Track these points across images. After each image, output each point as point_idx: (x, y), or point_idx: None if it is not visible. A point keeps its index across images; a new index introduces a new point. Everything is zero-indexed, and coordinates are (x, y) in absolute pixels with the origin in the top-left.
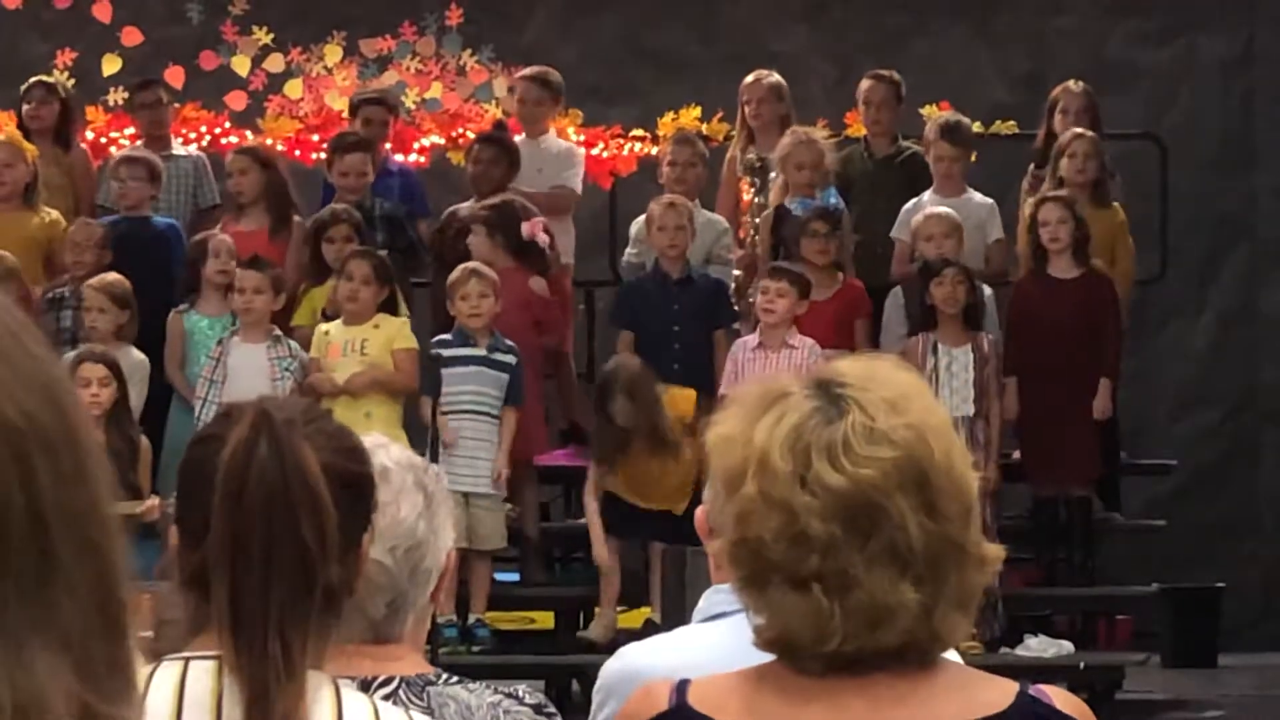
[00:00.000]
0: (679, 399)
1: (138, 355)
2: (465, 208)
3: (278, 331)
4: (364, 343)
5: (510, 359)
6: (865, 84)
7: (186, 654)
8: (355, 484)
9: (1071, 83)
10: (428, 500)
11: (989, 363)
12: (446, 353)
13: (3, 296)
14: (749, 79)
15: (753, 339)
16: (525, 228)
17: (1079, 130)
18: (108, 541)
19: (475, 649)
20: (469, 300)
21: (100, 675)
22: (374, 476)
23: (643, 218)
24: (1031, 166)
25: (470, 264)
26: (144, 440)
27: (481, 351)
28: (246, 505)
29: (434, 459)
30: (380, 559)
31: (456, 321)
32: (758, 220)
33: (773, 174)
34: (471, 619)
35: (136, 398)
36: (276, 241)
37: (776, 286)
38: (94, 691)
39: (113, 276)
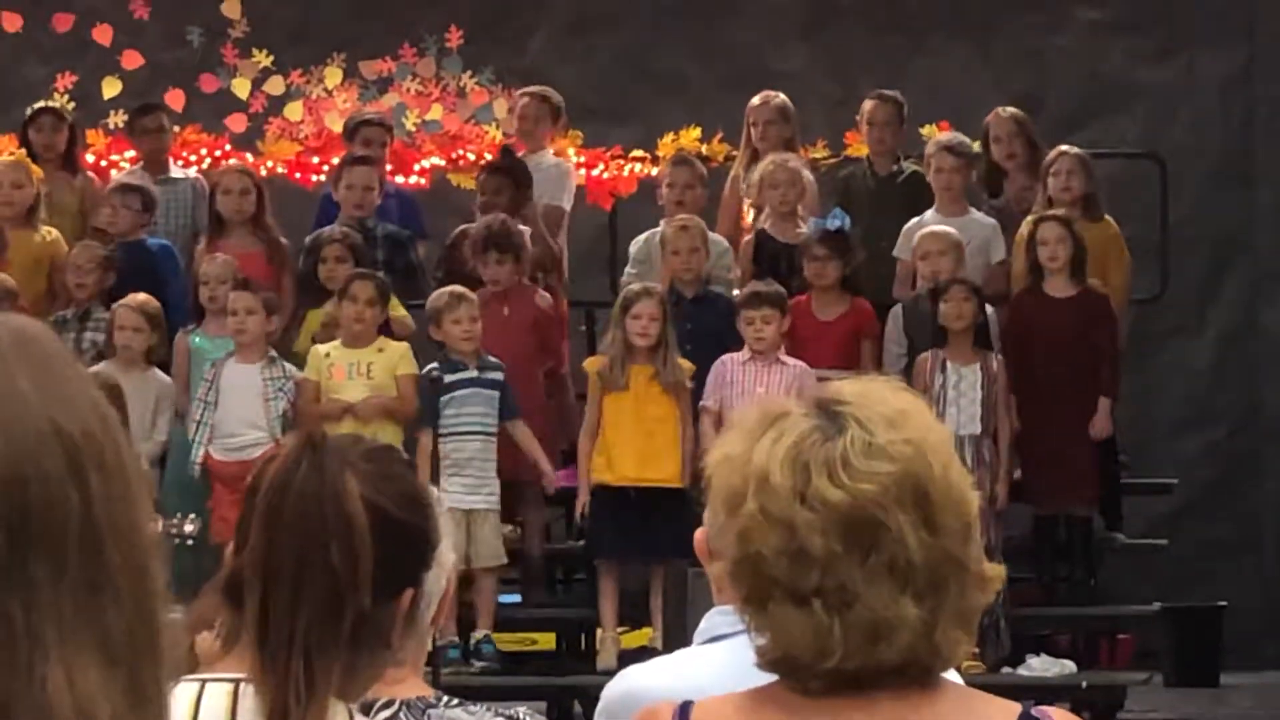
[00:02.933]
0: (681, 364)
1: (164, 378)
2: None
3: (274, 353)
4: (370, 366)
5: (499, 375)
6: (868, 104)
7: (204, 675)
8: (402, 531)
9: (1000, 109)
10: None
11: (997, 382)
12: (445, 378)
13: (40, 325)
14: (756, 100)
15: (741, 354)
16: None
17: (1064, 148)
18: (150, 564)
19: (480, 665)
20: (461, 324)
21: (141, 695)
22: (430, 533)
23: (642, 238)
24: (986, 196)
25: (454, 289)
26: (144, 465)
27: (474, 373)
28: (282, 524)
29: (434, 481)
30: None
31: (445, 348)
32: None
33: None
34: (480, 635)
35: (167, 421)
36: (270, 265)
37: (761, 315)
38: (135, 708)
39: (143, 296)
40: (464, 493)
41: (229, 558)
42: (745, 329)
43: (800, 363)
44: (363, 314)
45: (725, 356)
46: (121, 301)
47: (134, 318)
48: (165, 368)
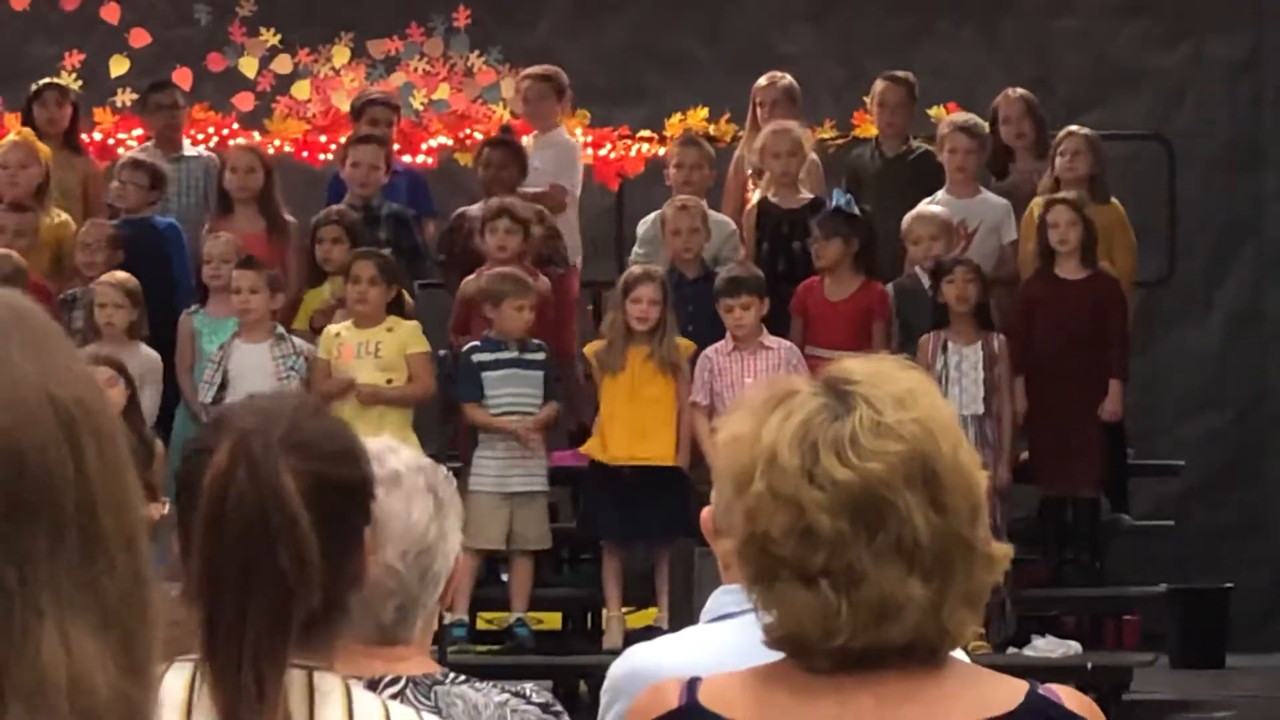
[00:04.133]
0: (679, 344)
1: (149, 353)
2: (475, 209)
3: (281, 330)
4: (378, 345)
5: (541, 355)
6: (879, 85)
7: (199, 656)
8: (346, 489)
9: (1009, 90)
10: (438, 504)
11: (999, 362)
12: (482, 358)
13: (30, 300)
14: (762, 81)
15: (725, 345)
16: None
17: (1073, 128)
18: (140, 536)
19: (511, 648)
20: (523, 312)
21: (134, 662)
22: (369, 475)
23: (650, 218)
24: (993, 179)
25: (516, 273)
26: (158, 442)
27: (514, 354)
28: (224, 535)
29: (466, 461)
30: (392, 563)
31: (491, 326)
32: None
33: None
34: (513, 618)
35: (151, 398)
36: (272, 244)
37: (740, 302)
38: (129, 677)
39: (123, 274)
40: (503, 475)
41: (178, 556)
42: (725, 316)
43: (784, 341)
44: (365, 294)
45: (709, 349)
46: (101, 279)
47: (115, 294)
48: (148, 343)
